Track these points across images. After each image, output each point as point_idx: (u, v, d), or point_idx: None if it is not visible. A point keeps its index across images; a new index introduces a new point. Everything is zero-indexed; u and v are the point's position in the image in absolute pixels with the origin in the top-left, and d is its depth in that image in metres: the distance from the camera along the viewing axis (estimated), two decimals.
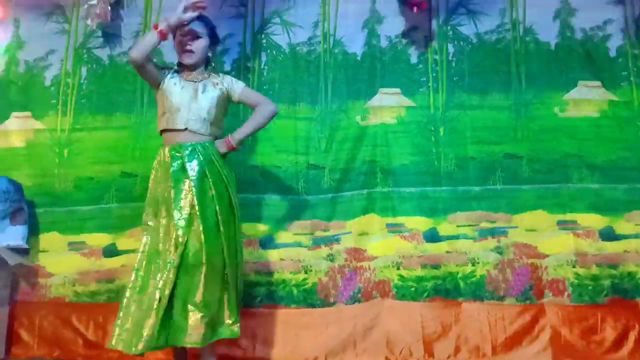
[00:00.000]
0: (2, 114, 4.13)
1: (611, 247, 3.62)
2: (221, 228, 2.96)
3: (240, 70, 4.00)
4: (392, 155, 3.84)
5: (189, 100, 3.09)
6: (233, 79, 3.24)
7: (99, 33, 4.14)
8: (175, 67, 3.21)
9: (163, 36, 3.01)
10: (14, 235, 3.77)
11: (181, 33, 3.12)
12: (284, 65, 4.00)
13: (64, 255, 3.88)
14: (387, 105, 3.90)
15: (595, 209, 3.68)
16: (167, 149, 3.07)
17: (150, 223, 3.06)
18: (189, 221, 2.92)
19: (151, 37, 3.01)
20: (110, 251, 3.86)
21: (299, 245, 3.76)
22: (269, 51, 4.02)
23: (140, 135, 3.99)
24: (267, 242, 3.77)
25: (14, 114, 4.11)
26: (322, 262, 3.73)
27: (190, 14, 3.03)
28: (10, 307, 3.76)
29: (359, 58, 3.98)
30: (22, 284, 3.85)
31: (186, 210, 2.93)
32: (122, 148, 4.00)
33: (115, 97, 4.07)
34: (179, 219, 2.92)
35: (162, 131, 3.13)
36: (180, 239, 2.88)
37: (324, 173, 3.85)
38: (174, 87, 3.11)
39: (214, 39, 3.26)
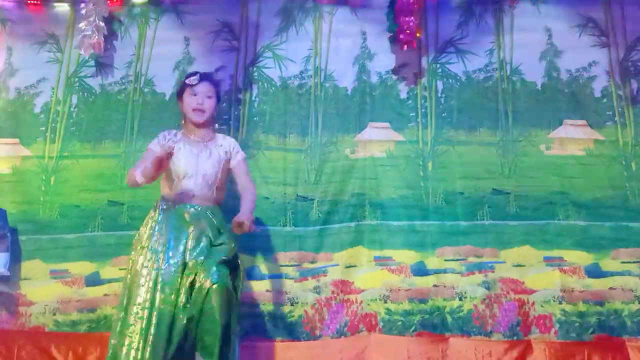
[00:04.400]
0: None
1: (597, 284, 3.64)
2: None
3: (232, 102, 4.03)
4: (380, 188, 3.86)
5: (196, 166, 3.11)
6: (237, 144, 3.29)
7: (92, 62, 4.17)
8: (180, 131, 3.25)
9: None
10: None
11: (192, 93, 3.18)
12: (275, 98, 4.05)
13: (46, 284, 3.81)
14: (377, 139, 3.95)
15: (581, 246, 3.71)
16: (178, 206, 3.09)
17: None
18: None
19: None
20: (94, 280, 3.80)
21: (286, 276, 3.74)
22: (260, 84, 4.07)
23: (129, 164, 3.96)
24: (253, 273, 3.74)
25: (2, 140, 4.08)
26: (308, 295, 3.71)
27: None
28: None
29: (349, 92, 4.04)
30: (2, 312, 3.76)
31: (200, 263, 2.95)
32: (110, 176, 3.98)
33: (105, 125, 4.08)
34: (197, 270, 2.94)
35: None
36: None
37: (312, 205, 3.86)
38: (180, 152, 3.10)
39: (218, 98, 3.34)
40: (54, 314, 3.76)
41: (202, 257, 2.95)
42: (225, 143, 3.25)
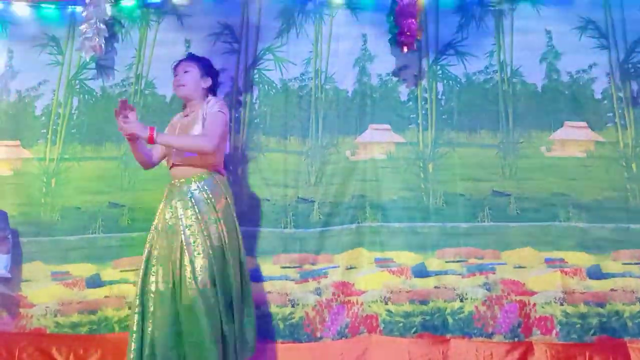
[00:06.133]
0: None
1: (598, 285, 3.64)
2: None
3: (232, 104, 4.02)
4: (381, 190, 3.86)
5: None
6: (218, 100, 3.35)
7: (93, 65, 4.16)
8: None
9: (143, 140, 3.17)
10: None
11: (174, 76, 3.39)
12: (276, 100, 4.04)
13: (47, 286, 3.81)
14: (377, 141, 3.95)
15: (582, 247, 3.71)
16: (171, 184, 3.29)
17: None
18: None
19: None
20: (94, 282, 3.81)
21: (286, 278, 3.74)
22: (261, 86, 4.06)
23: (129, 166, 3.96)
24: (254, 275, 3.72)
25: (3, 142, 4.08)
26: (309, 296, 3.71)
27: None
28: None
29: (349, 94, 4.04)
30: (3, 314, 3.77)
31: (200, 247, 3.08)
32: (110, 178, 3.98)
33: (106, 127, 4.05)
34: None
35: (170, 168, 3.33)
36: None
37: (313, 207, 3.86)
38: (172, 128, 3.41)
39: (211, 71, 3.45)
40: (55, 316, 3.76)
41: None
42: (211, 100, 3.33)
